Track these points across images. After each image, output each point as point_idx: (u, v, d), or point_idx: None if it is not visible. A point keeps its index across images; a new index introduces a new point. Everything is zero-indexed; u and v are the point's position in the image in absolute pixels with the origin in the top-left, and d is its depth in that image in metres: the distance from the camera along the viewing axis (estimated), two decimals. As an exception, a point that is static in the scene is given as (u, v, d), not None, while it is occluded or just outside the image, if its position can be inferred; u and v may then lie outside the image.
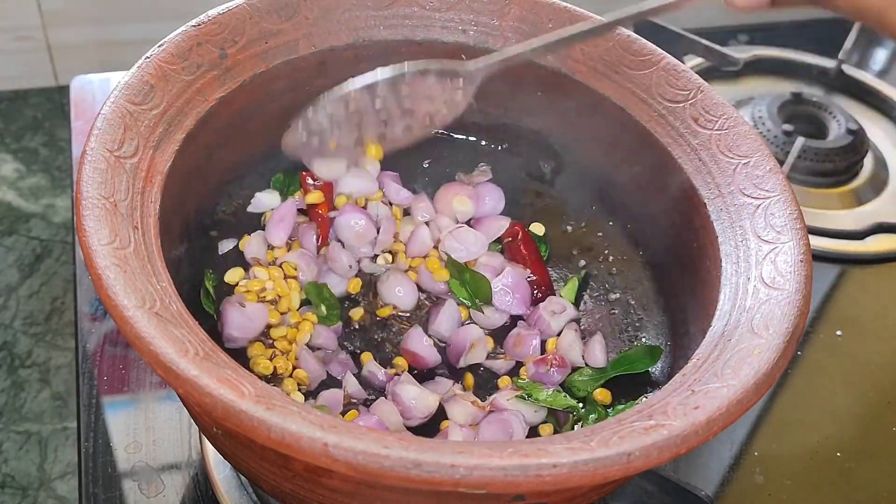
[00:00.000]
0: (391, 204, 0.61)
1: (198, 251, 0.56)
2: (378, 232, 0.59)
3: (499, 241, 0.62)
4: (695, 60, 0.91)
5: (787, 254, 0.48)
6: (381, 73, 0.52)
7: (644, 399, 0.49)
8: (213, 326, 0.54)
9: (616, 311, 0.59)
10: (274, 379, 0.53)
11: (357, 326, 0.57)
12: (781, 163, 0.80)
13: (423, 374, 0.56)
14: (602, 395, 0.54)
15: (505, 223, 0.62)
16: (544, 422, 0.53)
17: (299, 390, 0.53)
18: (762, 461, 0.62)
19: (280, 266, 0.57)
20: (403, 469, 0.35)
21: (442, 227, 0.61)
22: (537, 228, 0.63)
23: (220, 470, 0.56)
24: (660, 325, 0.58)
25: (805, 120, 0.88)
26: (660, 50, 0.58)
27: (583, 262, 0.62)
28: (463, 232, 0.60)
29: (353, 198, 0.60)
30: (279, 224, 0.58)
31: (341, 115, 0.53)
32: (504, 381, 0.55)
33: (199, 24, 0.53)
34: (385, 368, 0.54)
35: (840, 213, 0.81)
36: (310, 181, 0.59)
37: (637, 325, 0.58)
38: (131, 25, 1.48)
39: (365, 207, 0.60)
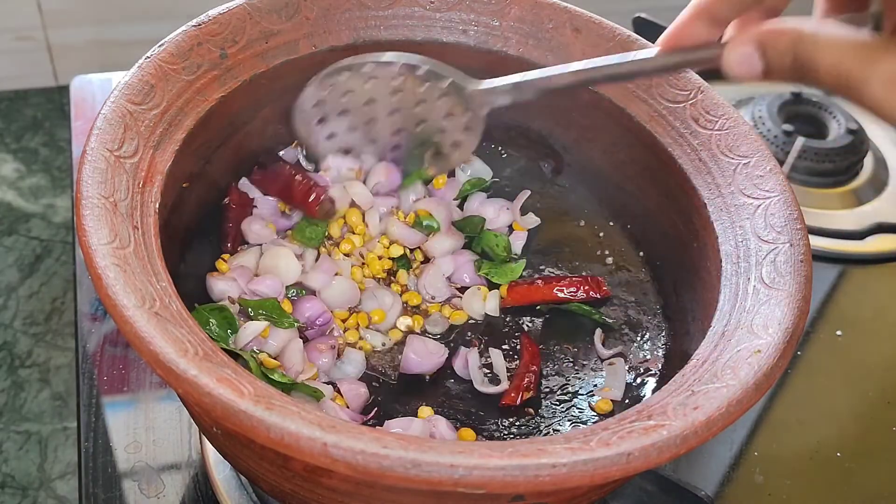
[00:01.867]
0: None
1: (198, 250, 0.57)
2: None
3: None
4: (695, 60, 0.91)
5: (787, 254, 0.48)
6: (396, 56, 0.50)
7: (644, 399, 0.49)
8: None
9: (616, 311, 0.59)
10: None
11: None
12: (781, 163, 0.80)
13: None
14: (604, 404, 0.54)
15: None
16: None
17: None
18: (762, 461, 0.62)
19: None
20: (402, 469, 0.35)
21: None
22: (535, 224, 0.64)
23: (220, 470, 0.56)
24: (660, 325, 0.58)
25: (805, 120, 0.87)
26: (660, 50, 0.58)
27: (582, 262, 0.62)
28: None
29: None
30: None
31: (354, 98, 0.51)
32: None
33: (199, 24, 0.53)
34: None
35: (840, 213, 0.81)
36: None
37: (637, 324, 0.58)
38: (131, 25, 1.48)
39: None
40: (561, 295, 0.59)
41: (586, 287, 0.59)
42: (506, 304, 0.59)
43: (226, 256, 0.57)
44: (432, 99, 0.51)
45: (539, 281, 0.59)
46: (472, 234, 0.62)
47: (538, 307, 0.59)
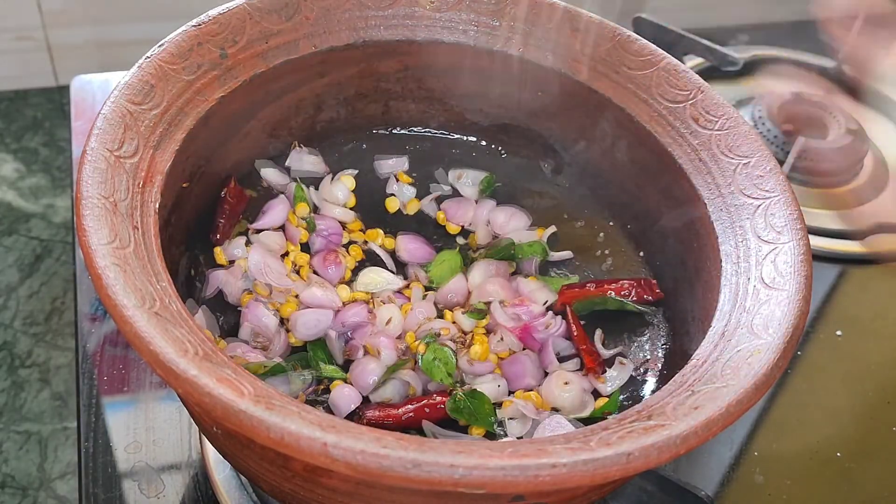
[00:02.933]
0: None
1: (198, 251, 0.57)
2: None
3: None
4: (695, 60, 0.91)
5: (787, 254, 0.48)
6: None
7: (644, 399, 0.49)
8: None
9: (616, 312, 0.59)
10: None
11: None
12: (781, 163, 0.80)
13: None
14: (602, 401, 0.54)
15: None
16: None
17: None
18: (762, 461, 0.62)
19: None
20: (403, 469, 0.35)
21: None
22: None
23: (220, 470, 0.56)
24: (660, 325, 0.58)
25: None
26: (660, 50, 0.58)
27: (582, 262, 0.62)
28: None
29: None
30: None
31: None
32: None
33: (199, 24, 0.53)
34: None
35: (840, 213, 0.81)
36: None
37: (637, 325, 0.58)
38: (131, 25, 1.48)
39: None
40: (614, 297, 0.58)
41: (639, 290, 0.58)
42: (557, 307, 0.58)
43: (219, 249, 0.57)
44: None
45: (591, 284, 0.59)
46: (505, 257, 0.60)
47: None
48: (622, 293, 0.58)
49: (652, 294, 0.58)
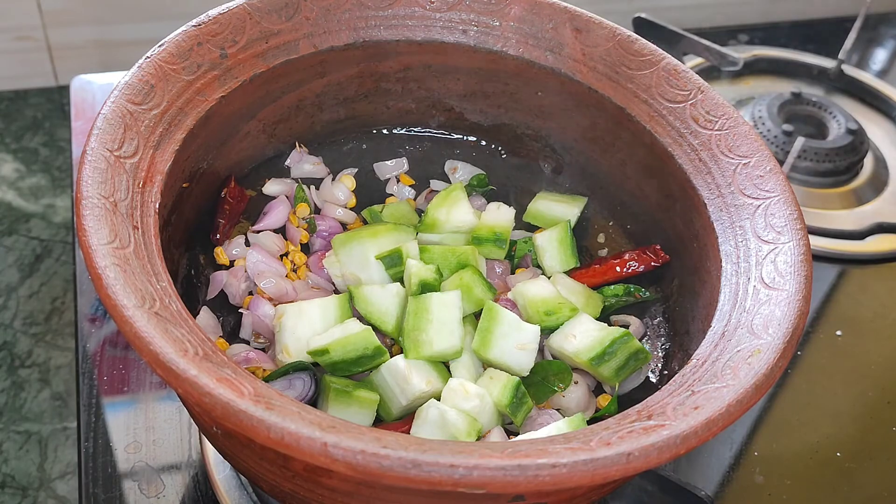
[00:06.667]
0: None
1: (198, 251, 0.57)
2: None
3: None
4: (695, 60, 0.91)
5: (787, 254, 0.48)
6: None
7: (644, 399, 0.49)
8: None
9: (616, 312, 0.59)
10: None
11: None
12: (781, 163, 0.80)
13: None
14: (603, 400, 0.54)
15: None
16: None
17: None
18: (762, 461, 0.62)
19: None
20: (403, 469, 0.35)
21: None
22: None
23: (220, 470, 0.56)
24: (660, 325, 0.58)
25: (805, 120, 0.88)
26: (660, 50, 0.58)
27: (581, 262, 0.62)
28: None
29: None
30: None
31: None
32: None
33: (199, 24, 0.53)
34: None
35: (840, 213, 0.81)
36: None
37: (637, 325, 0.58)
38: (131, 25, 1.48)
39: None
40: (621, 271, 0.58)
41: (644, 258, 0.58)
42: None
43: (220, 249, 0.57)
44: None
45: (596, 265, 0.59)
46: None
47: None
48: (628, 266, 0.57)
49: (658, 258, 0.57)
